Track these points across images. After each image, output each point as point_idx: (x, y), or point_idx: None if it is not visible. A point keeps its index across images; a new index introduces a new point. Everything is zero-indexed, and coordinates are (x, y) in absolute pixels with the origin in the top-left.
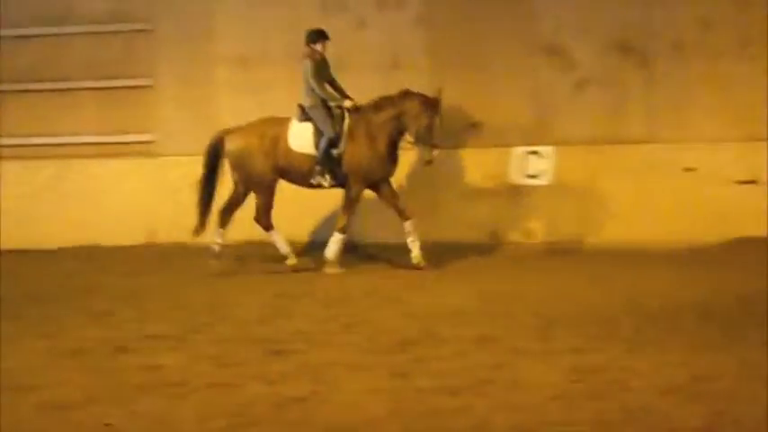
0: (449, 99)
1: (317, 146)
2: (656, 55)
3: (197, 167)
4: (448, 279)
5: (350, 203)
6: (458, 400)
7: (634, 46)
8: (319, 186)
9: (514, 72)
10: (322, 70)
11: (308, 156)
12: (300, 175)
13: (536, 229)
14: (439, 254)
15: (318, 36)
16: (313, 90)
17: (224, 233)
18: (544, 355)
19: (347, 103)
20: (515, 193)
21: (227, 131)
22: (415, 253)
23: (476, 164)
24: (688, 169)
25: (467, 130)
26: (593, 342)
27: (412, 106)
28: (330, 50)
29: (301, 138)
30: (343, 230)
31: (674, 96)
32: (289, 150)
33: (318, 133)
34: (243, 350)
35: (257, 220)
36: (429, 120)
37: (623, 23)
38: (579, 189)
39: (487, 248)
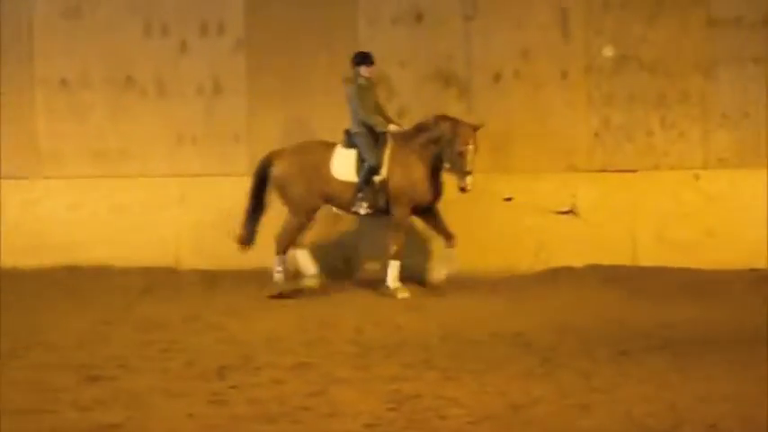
0: (268, 125)
1: (359, 173)
2: (476, 85)
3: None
4: (267, 306)
5: (397, 229)
6: (274, 428)
7: (454, 75)
8: (356, 214)
9: (335, 99)
10: (367, 95)
11: (350, 183)
12: (343, 203)
13: (355, 257)
14: (260, 280)
15: (363, 59)
16: (357, 116)
17: (286, 260)
18: (361, 383)
19: (391, 128)
20: (338, 220)
21: (275, 153)
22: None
23: None
24: (507, 199)
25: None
26: (410, 370)
27: (446, 132)
28: (150, 75)
29: (344, 165)
30: (396, 257)
31: (494, 126)
32: (331, 177)
33: (362, 160)
34: (57, 376)
35: (278, 239)
36: (462, 147)
37: (444, 53)
38: None
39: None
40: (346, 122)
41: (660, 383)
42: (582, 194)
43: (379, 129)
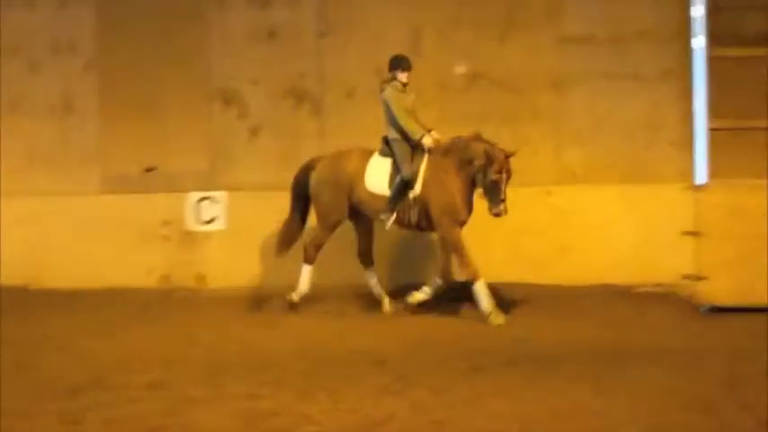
0: (120, 144)
1: (391, 185)
2: (330, 102)
3: None
4: (120, 323)
5: (456, 250)
6: None
7: (307, 93)
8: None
9: (189, 118)
10: (404, 99)
11: (382, 196)
12: (372, 212)
13: (209, 274)
14: (110, 299)
15: (399, 63)
16: (395, 122)
17: (373, 273)
18: (215, 402)
19: (427, 140)
20: (189, 238)
21: (315, 159)
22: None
23: (149, 209)
24: None
25: (141, 175)
26: (264, 388)
27: (478, 156)
28: (3, 94)
29: (377, 175)
30: (475, 277)
31: (347, 143)
32: (362, 188)
33: (397, 170)
34: None
35: (306, 248)
36: (496, 176)
37: (297, 70)
38: (253, 235)
39: (160, 294)
40: (202, 140)
41: (514, 399)
42: None
43: (415, 138)
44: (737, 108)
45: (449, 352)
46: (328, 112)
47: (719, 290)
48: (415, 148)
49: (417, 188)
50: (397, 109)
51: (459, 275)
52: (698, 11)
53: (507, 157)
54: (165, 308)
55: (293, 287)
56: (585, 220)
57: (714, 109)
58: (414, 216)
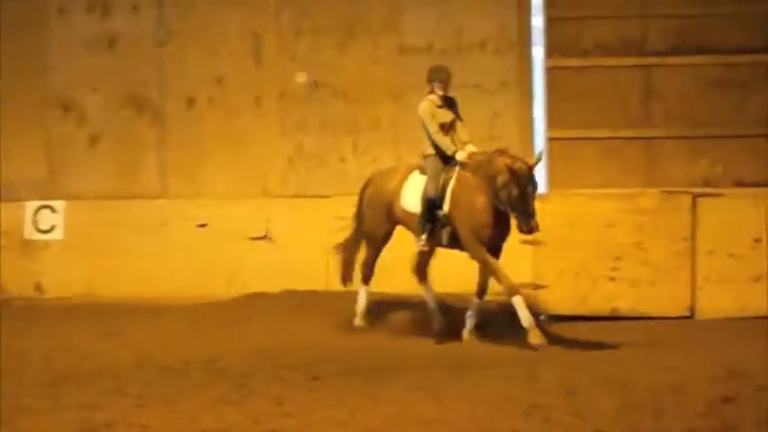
0: None
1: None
2: (170, 111)
3: None
4: None
5: (488, 267)
6: None
7: (148, 102)
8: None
9: (26, 126)
10: (440, 112)
11: (416, 214)
12: (411, 231)
13: (47, 284)
14: None
15: (436, 74)
16: (429, 137)
17: (428, 287)
18: (51, 412)
19: (460, 155)
20: (28, 247)
21: (373, 175)
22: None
23: None
24: (201, 225)
25: None
26: (102, 398)
27: (500, 173)
28: None
29: (413, 193)
30: (513, 292)
31: (188, 152)
32: (399, 206)
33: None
34: None
35: (361, 268)
36: (519, 189)
37: (137, 78)
38: (92, 244)
39: None
40: (40, 149)
41: (352, 408)
42: (276, 220)
43: (448, 153)
44: (576, 118)
45: (288, 361)
46: (169, 121)
47: (558, 298)
48: (448, 163)
49: (445, 206)
50: (429, 123)
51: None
52: (537, 21)
53: (530, 168)
54: (2, 318)
55: (129, 296)
56: None
57: (552, 119)
58: (445, 235)
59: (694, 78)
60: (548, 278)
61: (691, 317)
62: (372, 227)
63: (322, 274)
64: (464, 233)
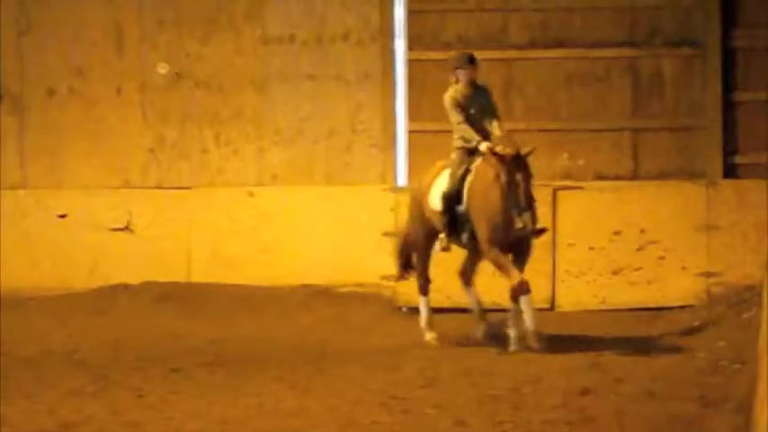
0: None
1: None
2: (30, 100)
3: None
4: None
5: (500, 267)
6: None
7: (7, 90)
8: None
9: None
10: (465, 101)
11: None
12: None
13: None
14: None
15: (457, 61)
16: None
17: (472, 291)
18: None
19: (483, 146)
20: None
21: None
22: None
23: None
24: (61, 216)
25: None
26: None
27: (495, 160)
28: None
29: (438, 189)
30: (522, 291)
31: (48, 142)
32: (428, 204)
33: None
34: None
35: (417, 279)
36: (507, 176)
37: None
38: None
39: None
40: None
41: (211, 399)
42: (137, 211)
43: (471, 144)
44: (437, 111)
45: (147, 353)
46: (28, 111)
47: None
48: (473, 156)
49: (463, 202)
50: (452, 113)
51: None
52: (398, 13)
53: (518, 154)
54: None
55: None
56: (287, 221)
57: (413, 111)
58: (464, 236)
59: (555, 72)
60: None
61: (551, 309)
62: (411, 228)
63: (183, 265)
64: (477, 228)
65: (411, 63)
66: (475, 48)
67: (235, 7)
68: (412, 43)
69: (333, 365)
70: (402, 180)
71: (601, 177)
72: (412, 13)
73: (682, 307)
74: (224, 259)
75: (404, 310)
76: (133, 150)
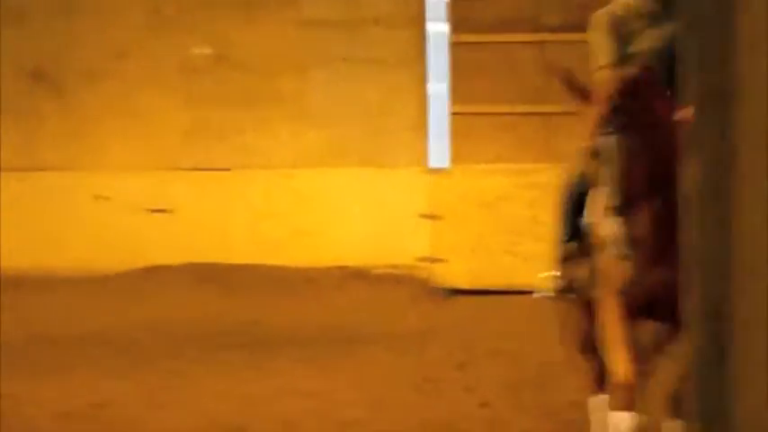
0: None
1: None
2: (70, 83)
3: None
4: None
5: None
6: None
7: (47, 74)
8: None
9: None
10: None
11: None
12: None
13: None
14: None
15: None
16: None
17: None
18: None
19: None
20: None
21: None
22: None
23: None
24: (101, 197)
25: None
26: None
27: None
28: None
29: None
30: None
31: (87, 124)
32: None
33: None
34: None
35: None
36: None
37: (35, 52)
38: None
39: None
40: None
41: (240, 379)
42: (175, 193)
43: None
44: (478, 93)
45: (182, 334)
46: (69, 93)
47: (456, 272)
48: None
49: None
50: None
51: None
52: None
53: None
54: None
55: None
56: (323, 203)
57: (455, 94)
58: None
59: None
60: (446, 252)
61: None
62: None
63: (221, 246)
64: None
65: (453, 46)
66: (510, 30)
67: None
68: (454, 26)
69: (364, 347)
70: (440, 162)
71: None
72: None
73: None
74: (261, 240)
75: (439, 292)
76: (171, 132)
